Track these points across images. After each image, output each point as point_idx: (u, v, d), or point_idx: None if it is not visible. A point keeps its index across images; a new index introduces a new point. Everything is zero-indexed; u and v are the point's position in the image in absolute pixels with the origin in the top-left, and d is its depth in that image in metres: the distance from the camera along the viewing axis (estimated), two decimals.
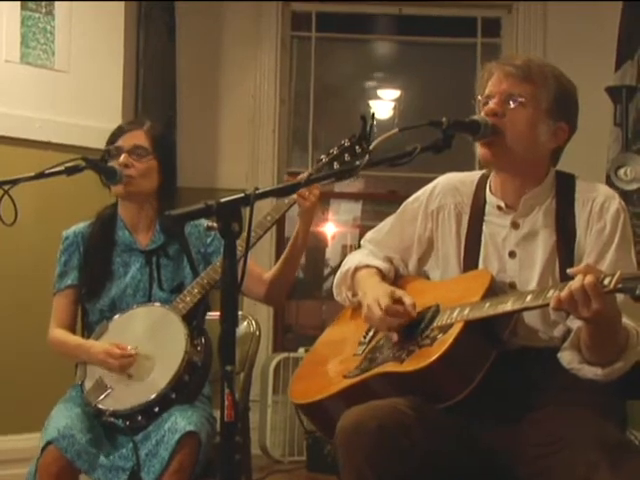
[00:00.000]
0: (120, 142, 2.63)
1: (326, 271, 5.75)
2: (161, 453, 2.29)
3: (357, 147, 2.47)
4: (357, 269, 2.32)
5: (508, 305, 1.91)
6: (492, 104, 2.06)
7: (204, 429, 2.34)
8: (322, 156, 2.54)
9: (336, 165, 2.49)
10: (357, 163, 1.92)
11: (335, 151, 2.51)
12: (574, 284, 1.76)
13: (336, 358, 2.24)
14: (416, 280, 2.29)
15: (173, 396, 2.40)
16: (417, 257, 2.29)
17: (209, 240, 2.68)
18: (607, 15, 4.45)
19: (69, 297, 2.66)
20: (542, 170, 2.13)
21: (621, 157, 4.03)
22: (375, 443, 1.84)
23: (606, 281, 1.73)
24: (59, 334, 2.63)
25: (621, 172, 3.96)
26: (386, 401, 1.93)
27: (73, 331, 2.65)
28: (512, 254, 2.12)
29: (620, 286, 1.71)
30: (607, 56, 4.33)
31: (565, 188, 2.12)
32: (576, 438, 1.83)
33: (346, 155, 2.48)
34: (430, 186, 2.30)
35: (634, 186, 3.92)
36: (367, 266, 2.31)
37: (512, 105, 2.05)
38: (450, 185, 2.26)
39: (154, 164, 2.64)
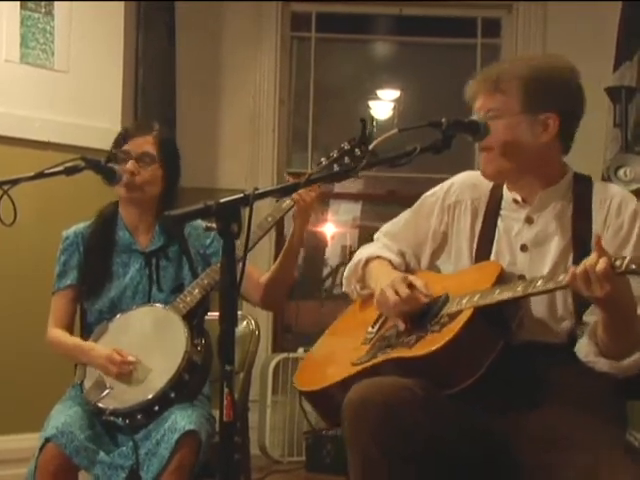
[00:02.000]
0: (128, 147, 2.62)
1: (325, 271, 5.76)
2: (161, 452, 2.29)
3: (357, 150, 2.47)
4: (368, 261, 2.33)
5: (519, 290, 1.92)
6: None
7: (204, 428, 2.34)
8: (322, 159, 2.54)
9: (336, 167, 2.49)
10: (357, 164, 1.92)
11: (335, 154, 2.51)
12: (589, 261, 1.77)
13: (343, 348, 2.24)
14: (426, 273, 2.29)
15: (172, 395, 2.40)
16: (430, 252, 2.31)
17: (209, 241, 2.67)
18: (607, 15, 4.44)
19: (68, 297, 2.66)
20: (552, 165, 2.14)
21: (621, 157, 4.03)
22: (381, 418, 1.84)
23: (617, 262, 1.75)
24: (57, 334, 2.62)
25: (621, 172, 3.96)
26: (393, 378, 1.94)
27: (71, 331, 2.65)
28: (524, 248, 2.13)
29: (633, 267, 1.72)
30: (606, 57, 4.32)
31: (582, 189, 2.13)
32: (577, 438, 1.84)
33: (346, 158, 2.48)
34: (447, 183, 2.32)
35: (633, 186, 3.91)
36: (379, 257, 2.32)
37: (491, 119, 2.06)
38: (468, 182, 2.28)
39: (160, 172, 2.64)
